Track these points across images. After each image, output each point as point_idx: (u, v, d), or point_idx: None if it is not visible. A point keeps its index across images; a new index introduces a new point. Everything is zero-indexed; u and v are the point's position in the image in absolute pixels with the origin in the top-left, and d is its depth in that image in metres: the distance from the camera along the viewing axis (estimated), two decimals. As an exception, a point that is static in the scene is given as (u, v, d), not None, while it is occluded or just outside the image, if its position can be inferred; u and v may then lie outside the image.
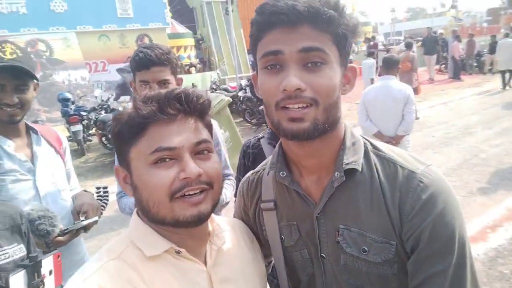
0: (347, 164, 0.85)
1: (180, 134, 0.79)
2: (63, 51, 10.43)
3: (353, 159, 0.85)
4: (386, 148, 0.90)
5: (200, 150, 0.82)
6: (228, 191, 1.95)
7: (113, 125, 0.84)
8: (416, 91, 8.75)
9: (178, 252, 0.83)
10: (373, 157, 0.88)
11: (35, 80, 1.62)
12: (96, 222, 1.66)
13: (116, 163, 1.87)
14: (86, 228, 1.63)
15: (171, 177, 0.77)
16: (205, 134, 0.84)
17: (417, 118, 8.78)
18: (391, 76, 4.03)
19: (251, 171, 1.11)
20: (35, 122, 6.29)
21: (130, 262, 0.79)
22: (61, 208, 1.69)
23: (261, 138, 1.75)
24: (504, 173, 5.30)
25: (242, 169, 1.82)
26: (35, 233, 1.39)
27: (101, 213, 1.77)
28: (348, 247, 0.86)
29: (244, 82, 10.14)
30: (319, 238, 0.90)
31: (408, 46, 9.33)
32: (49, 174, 1.68)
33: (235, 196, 1.90)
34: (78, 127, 7.72)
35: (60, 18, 10.32)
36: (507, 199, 4.49)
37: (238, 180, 1.88)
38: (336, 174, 0.85)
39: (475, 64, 15.76)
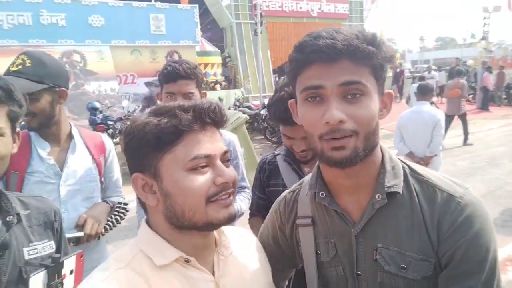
0: (389, 187, 0.88)
1: (212, 142, 0.84)
2: (97, 63, 10.87)
3: (394, 182, 0.89)
4: (425, 172, 0.93)
5: (226, 159, 0.87)
6: (243, 204, 2.00)
7: (134, 133, 0.83)
8: (464, 117, 8.95)
9: (187, 261, 0.84)
10: (412, 180, 0.91)
11: (56, 88, 1.63)
12: (78, 238, 1.62)
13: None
14: (73, 241, 1.59)
15: (209, 182, 0.82)
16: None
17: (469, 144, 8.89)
18: (425, 102, 4.40)
19: (288, 190, 1.14)
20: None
21: (139, 270, 0.81)
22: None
23: (277, 154, 1.80)
24: (529, 206, 5.12)
25: (258, 184, 1.88)
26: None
27: (108, 229, 1.75)
28: (387, 265, 0.89)
29: (267, 101, 10.25)
30: (357, 256, 0.93)
31: (459, 74, 9.28)
32: (76, 181, 1.72)
33: (249, 209, 1.95)
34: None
35: (97, 32, 10.79)
36: (531, 233, 4.35)
37: (253, 193, 1.93)
38: (377, 196, 0.89)
39: (504, 96, 15.44)
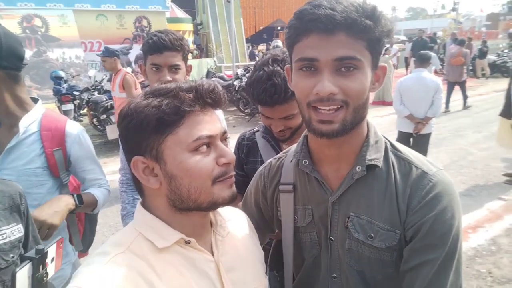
0: (370, 160, 0.93)
1: (213, 123, 0.84)
2: (60, 28, 10.29)
3: (376, 156, 0.94)
4: (405, 149, 0.98)
5: (225, 138, 0.88)
6: None
7: (132, 116, 0.80)
8: (464, 84, 9.72)
9: (187, 243, 0.84)
10: (391, 155, 0.96)
11: None
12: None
13: (121, 153, 1.84)
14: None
15: (212, 162, 0.82)
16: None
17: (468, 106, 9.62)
18: (423, 69, 4.94)
19: (274, 157, 1.18)
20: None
21: (140, 254, 0.80)
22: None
23: (256, 131, 1.78)
24: (489, 176, 5.39)
25: (237, 161, 1.83)
26: None
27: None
28: (356, 232, 0.94)
29: (240, 72, 10.09)
30: (331, 222, 0.98)
31: (461, 43, 10.07)
32: (11, 171, 1.48)
33: None
34: (70, 106, 7.67)
35: (58, -6, 10.15)
36: (490, 201, 4.59)
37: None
38: (357, 168, 0.93)
39: (471, 68, 15.85)
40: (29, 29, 9.75)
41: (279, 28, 22.68)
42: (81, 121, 8.43)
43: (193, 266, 0.84)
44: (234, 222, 1.01)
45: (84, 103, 8.03)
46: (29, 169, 1.51)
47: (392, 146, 0.98)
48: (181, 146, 0.80)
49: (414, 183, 0.91)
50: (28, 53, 9.50)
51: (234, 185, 0.87)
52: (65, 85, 8.25)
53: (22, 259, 1.03)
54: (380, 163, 0.94)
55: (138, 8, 11.51)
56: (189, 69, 1.92)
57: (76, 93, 8.07)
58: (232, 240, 0.96)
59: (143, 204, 0.88)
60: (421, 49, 9.80)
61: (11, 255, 1.10)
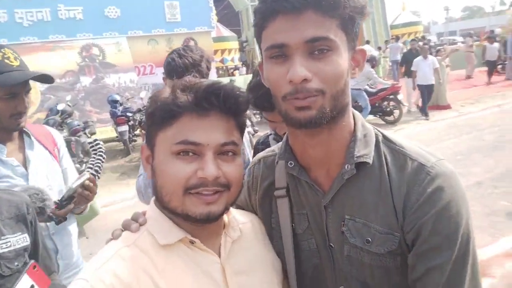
0: (358, 157, 0.84)
1: (209, 131, 0.79)
2: (115, 55, 10.98)
3: (365, 151, 0.85)
4: (399, 140, 0.89)
5: (225, 151, 0.81)
6: None
7: (149, 104, 0.83)
8: None
9: (192, 242, 0.83)
10: (383, 148, 0.87)
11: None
12: (87, 178, 1.60)
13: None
14: (69, 198, 1.58)
15: (189, 172, 0.78)
16: (235, 136, 0.83)
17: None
18: None
19: (262, 155, 1.10)
20: (86, 122, 6.66)
21: (144, 248, 0.81)
22: (66, 238, 1.71)
23: (270, 135, 1.81)
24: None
25: None
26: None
27: (98, 170, 1.74)
28: (352, 238, 0.86)
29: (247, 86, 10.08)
30: (327, 227, 0.90)
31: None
32: (43, 177, 1.67)
33: None
34: (124, 127, 8.10)
35: (113, 23, 10.85)
36: None
37: None
38: (346, 167, 0.85)
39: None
40: (88, 58, 10.51)
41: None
42: (135, 141, 8.86)
43: (197, 266, 0.83)
44: (248, 226, 0.98)
45: (137, 124, 8.45)
46: None
47: (385, 137, 0.90)
48: (166, 146, 0.80)
49: (411, 177, 0.81)
50: (87, 80, 10.25)
51: (215, 206, 0.80)
52: (120, 108, 8.75)
53: None
54: (370, 159, 0.85)
55: (186, 30, 11.98)
56: None
57: (129, 114, 8.52)
58: (244, 244, 0.93)
59: (155, 201, 0.88)
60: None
61: (16, 263, 1.14)
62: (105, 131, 9.36)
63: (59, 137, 1.88)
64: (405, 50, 15.55)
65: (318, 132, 0.82)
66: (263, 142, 1.83)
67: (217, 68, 14.50)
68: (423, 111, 9.86)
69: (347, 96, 0.83)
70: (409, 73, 10.41)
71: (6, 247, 1.13)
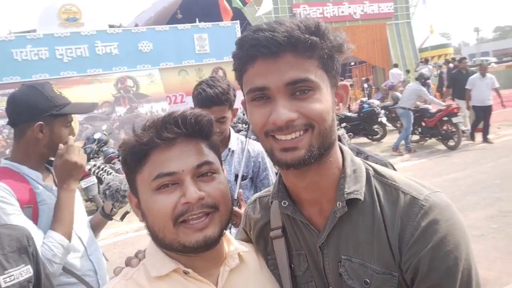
0: (349, 193, 0.82)
1: (180, 158, 0.80)
2: (148, 86, 11.45)
3: (355, 187, 0.82)
4: (390, 174, 0.86)
5: (203, 173, 0.82)
6: None
7: (120, 153, 0.86)
8: None
9: (186, 273, 0.84)
10: (375, 183, 0.84)
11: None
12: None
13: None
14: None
15: (173, 202, 0.79)
16: (208, 156, 0.85)
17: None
18: None
19: (258, 195, 1.08)
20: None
21: (140, 282, 0.84)
22: (89, 234, 1.76)
23: None
24: None
25: None
26: (117, 198, 1.54)
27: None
28: (350, 279, 0.81)
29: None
30: (324, 269, 0.87)
31: None
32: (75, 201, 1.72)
33: None
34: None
35: (146, 56, 11.38)
36: None
37: None
38: (338, 204, 0.82)
39: None
40: (123, 89, 11.01)
41: (352, 63, 22.54)
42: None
43: None
44: (251, 255, 0.97)
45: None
46: None
47: (376, 172, 0.86)
48: (146, 185, 0.82)
49: (404, 212, 0.78)
50: (122, 110, 10.71)
51: (208, 229, 0.80)
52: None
53: None
54: (361, 195, 0.82)
55: (214, 60, 12.37)
56: (235, 113, 2.05)
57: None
58: (243, 273, 0.92)
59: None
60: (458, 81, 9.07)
61: None
62: None
63: None
64: (435, 72, 15.28)
65: (306, 170, 0.80)
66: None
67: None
68: (484, 135, 8.94)
69: (334, 133, 0.82)
70: (459, 95, 9.57)
71: (10, 281, 1.17)
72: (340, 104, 0.85)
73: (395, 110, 10.00)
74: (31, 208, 1.53)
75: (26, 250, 1.26)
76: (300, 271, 0.91)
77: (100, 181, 7.53)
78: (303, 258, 0.91)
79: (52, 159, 1.66)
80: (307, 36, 0.74)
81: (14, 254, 1.22)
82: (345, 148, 0.88)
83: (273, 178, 2.11)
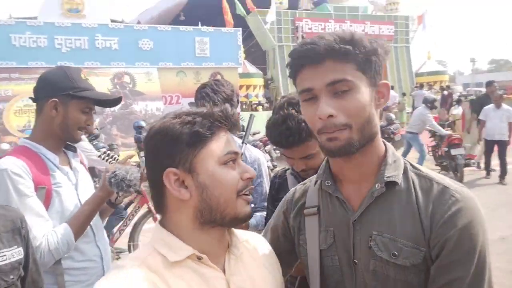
0: (389, 177, 0.95)
1: (234, 143, 0.95)
2: (145, 84, 11.41)
3: (394, 173, 0.96)
4: (425, 169, 1.00)
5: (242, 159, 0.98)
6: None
7: (166, 131, 0.88)
8: None
9: (199, 258, 0.88)
10: (411, 174, 0.98)
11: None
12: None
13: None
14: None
15: (238, 176, 0.91)
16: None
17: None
18: None
19: (300, 184, 1.22)
20: (110, 145, 6.83)
21: (154, 268, 0.85)
22: (97, 221, 1.76)
23: (287, 169, 1.82)
24: None
25: (270, 198, 1.89)
26: (122, 187, 1.54)
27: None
28: (379, 251, 0.94)
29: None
30: (354, 244, 0.98)
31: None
32: (87, 189, 1.75)
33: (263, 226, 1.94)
34: (148, 153, 8.23)
35: (146, 54, 11.35)
36: None
37: (267, 208, 1.92)
38: (377, 185, 0.96)
39: None
40: (119, 85, 10.95)
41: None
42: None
43: (204, 281, 0.88)
44: (250, 244, 1.04)
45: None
46: None
47: (412, 166, 1.01)
48: (213, 159, 0.89)
49: (436, 198, 0.92)
50: (116, 106, 10.62)
51: (250, 205, 0.94)
52: (144, 134, 8.95)
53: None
54: (399, 179, 0.96)
55: (214, 65, 12.41)
56: (237, 115, 2.04)
57: (153, 141, 8.67)
58: (245, 261, 0.98)
59: (161, 222, 0.93)
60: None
61: (11, 276, 1.17)
62: (128, 155, 9.56)
63: (84, 157, 1.97)
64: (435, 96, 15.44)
65: (350, 157, 0.95)
66: (280, 176, 1.85)
67: (241, 103, 14.83)
68: (500, 174, 7.72)
69: (374, 125, 0.96)
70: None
71: (3, 261, 1.17)
72: (381, 100, 0.98)
73: (388, 131, 10.07)
74: (45, 189, 1.55)
75: (19, 232, 1.26)
76: (325, 245, 1.04)
77: None
78: (330, 234, 1.03)
79: (69, 144, 1.71)
80: (342, 45, 0.90)
81: (7, 234, 1.22)
82: (388, 144, 1.03)
83: (267, 186, 2.09)
